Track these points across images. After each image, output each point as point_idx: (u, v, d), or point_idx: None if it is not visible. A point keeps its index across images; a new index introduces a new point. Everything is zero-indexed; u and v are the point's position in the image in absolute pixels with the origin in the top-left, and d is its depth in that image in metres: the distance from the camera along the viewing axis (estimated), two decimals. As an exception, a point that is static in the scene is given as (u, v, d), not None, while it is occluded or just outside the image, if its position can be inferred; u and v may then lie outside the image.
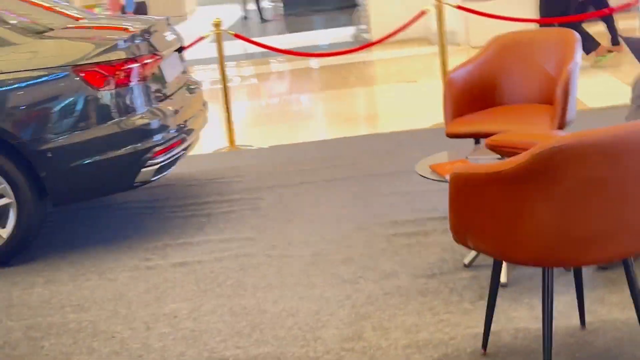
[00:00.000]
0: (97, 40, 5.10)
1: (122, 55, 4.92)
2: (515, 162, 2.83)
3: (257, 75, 11.64)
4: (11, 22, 5.12)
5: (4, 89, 4.77)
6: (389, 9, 11.30)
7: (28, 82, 4.81)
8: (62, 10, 5.88)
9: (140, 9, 11.46)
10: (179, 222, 5.38)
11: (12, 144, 4.77)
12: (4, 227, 4.83)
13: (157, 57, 5.25)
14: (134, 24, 5.50)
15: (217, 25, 7.18)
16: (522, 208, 2.85)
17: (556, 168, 2.70)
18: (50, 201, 4.96)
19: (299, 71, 11.24)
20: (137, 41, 5.14)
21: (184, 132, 5.34)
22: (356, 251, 4.57)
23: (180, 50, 5.92)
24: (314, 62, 11.27)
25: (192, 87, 5.88)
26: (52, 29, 5.21)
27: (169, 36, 5.71)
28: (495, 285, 3.26)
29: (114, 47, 4.95)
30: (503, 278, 3.92)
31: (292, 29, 15.76)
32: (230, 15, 18.00)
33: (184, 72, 5.90)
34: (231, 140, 7.26)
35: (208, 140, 7.26)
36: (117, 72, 4.88)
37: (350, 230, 4.87)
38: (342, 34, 13.62)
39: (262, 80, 11.38)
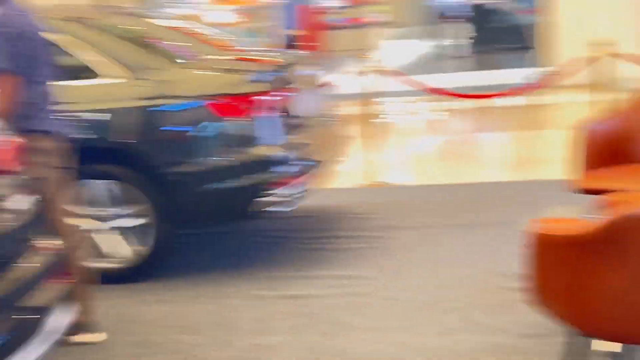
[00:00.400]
0: (232, 72, 5.26)
1: (254, 88, 5.06)
2: (593, 227, 2.67)
3: (419, 111, 11.58)
4: (158, 49, 5.39)
5: (144, 115, 5.01)
6: (567, 51, 10.95)
7: (165, 109, 5.04)
8: (216, 41, 6.15)
9: (292, 42, 11.66)
10: (303, 254, 5.43)
11: (150, 168, 5.01)
12: (144, 245, 5.07)
13: (291, 91, 5.35)
14: (276, 57, 5.64)
15: (363, 62, 7.26)
16: (596, 276, 2.67)
17: (628, 237, 2.52)
18: (180, 224, 5.14)
19: (463, 111, 11.10)
20: (272, 75, 5.27)
21: (311, 166, 5.40)
22: (465, 301, 4.45)
23: (322, 85, 6.01)
24: (481, 102, 11.09)
25: (329, 121, 5.95)
26: (190, 59, 5.45)
27: (311, 71, 5.80)
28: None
29: (247, 80, 5.10)
30: (617, 347, 3.67)
31: (472, 66, 15.59)
32: (416, 50, 18.08)
33: (323, 106, 5.97)
34: (371, 177, 7.24)
35: (358, 174, 7.32)
36: (247, 104, 5.01)
37: (464, 279, 4.75)
38: (515, 75, 13.32)
39: (424, 117, 11.32)
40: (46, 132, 4.07)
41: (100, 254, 5.07)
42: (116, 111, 5.01)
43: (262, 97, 5.07)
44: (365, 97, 7.29)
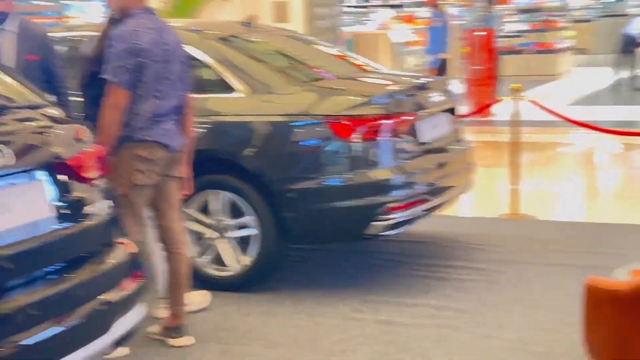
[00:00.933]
0: (354, 93, 5.31)
1: (373, 110, 5.09)
2: (635, 283, 2.52)
3: (576, 143, 11.13)
4: (293, 68, 5.54)
5: (263, 130, 5.15)
6: None
7: (284, 126, 5.15)
8: (357, 62, 6.24)
9: (443, 67, 11.44)
10: (409, 280, 5.39)
11: (264, 181, 5.14)
12: (247, 255, 5.22)
13: (414, 115, 5.33)
14: (403, 81, 5.64)
15: (516, 90, 7.08)
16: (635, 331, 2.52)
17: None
18: (289, 239, 5.24)
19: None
20: (394, 98, 5.28)
21: (430, 192, 5.36)
22: (560, 348, 4.26)
23: (451, 111, 5.94)
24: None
25: (457, 147, 5.87)
26: (321, 79, 5.55)
27: (439, 96, 5.75)
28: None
29: (368, 102, 5.14)
30: None
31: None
32: (601, 79, 17.41)
33: (452, 132, 5.89)
34: (514, 208, 7.06)
35: (501, 204, 7.17)
36: (366, 126, 5.04)
37: (563, 324, 4.54)
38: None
39: (584, 150, 10.87)
40: (156, 143, 4.29)
41: (210, 261, 5.26)
42: (237, 124, 5.18)
43: (386, 120, 5.09)
44: (519, 125, 7.09)
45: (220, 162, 5.18)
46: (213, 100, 5.26)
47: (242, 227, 5.21)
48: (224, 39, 5.68)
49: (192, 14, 11.44)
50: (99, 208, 3.35)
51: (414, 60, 16.58)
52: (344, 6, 17.34)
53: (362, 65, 6.29)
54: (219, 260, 5.27)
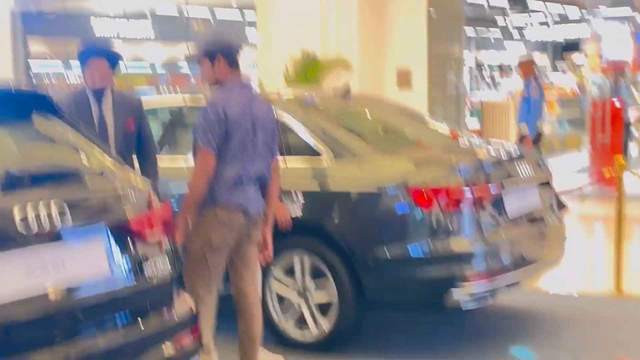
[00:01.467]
0: (437, 163, 5.36)
1: (454, 181, 5.11)
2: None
3: None
4: (372, 135, 5.67)
5: (344, 196, 5.27)
6: None
7: (365, 194, 5.24)
8: (444, 130, 6.30)
9: (538, 138, 11.12)
10: (493, 356, 5.30)
11: (344, 247, 5.23)
12: (327, 319, 5.30)
13: (500, 187, 5.31)
14: (492, 152, 5.64)
15: (619, 163, 6.93)
16: None
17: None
18: (368, 305, 5.28)
19: None
20: (478, 169, 5.29)
21: (516, 264, 5.30)
22: None
23: (546, 183, 5.87)
24: None
25: (549, 219, 5.78)
26: (408, 147, 5.64)
27: (531, 169, 5.70)
28: None
29: (450, 173, 5.16)
30: None
31: None
32: None
33: (544, 204, 5.81)
34: (618, 286, 6.79)
35: (593, 280, 6.96)
36: (446, 196, 5.07)
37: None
38: None
39: None
40: (236, 207, 4.49)
41: (293, 323, 5.37)
42: (320, 191, 5.32)
43: (468, 191, 5.11)
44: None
45: (304, 226, 5.31)
46: (298, 164, 5.43)
47: (323, 291, 5.31)
48: (315, 105, 5.87)
49: (314, 82, 11.75)
50: (159, 267, 3.54)
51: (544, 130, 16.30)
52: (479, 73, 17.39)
53: (455, 134, 6.33)
54: (301, 323, 5.37)
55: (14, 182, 3.16)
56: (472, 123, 15.73)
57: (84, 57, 5.03)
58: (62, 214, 3.14)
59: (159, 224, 3.61)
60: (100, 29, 18.95)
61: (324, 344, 5.31)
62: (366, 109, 6.36)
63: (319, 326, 5.31)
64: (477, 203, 5.15)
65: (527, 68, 11.28)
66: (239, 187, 4.52)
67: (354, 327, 5.32)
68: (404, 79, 12.71)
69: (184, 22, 17.41)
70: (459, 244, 5.08)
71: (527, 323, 5.96)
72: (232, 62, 4.59)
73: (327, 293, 5.26)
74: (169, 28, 19.23)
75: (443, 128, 6.48)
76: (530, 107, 10.86)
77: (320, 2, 12.07)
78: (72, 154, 3.68)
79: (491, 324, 5.92)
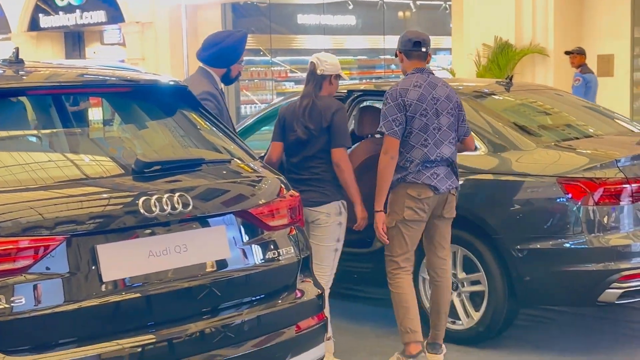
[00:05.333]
0: (595, 155, 5.18)
1: (611, 173, 4.93)
2: None
3: None
4: (531, 125, 5.56)
5: (496, 188, 5.23)
6: None
7: (517, 185, 5.17)
8: (615, 121, 6.06)
9: None
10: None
11: (495, 239, 5.18)
12: (477, 310, 5.29)
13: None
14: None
15: None
16: None
17: None
18: (518, 299, 5.20)
19: None
20: (638, 161, 5.07)
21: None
22: None
23: None
24: None
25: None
26: (569, 139, 5.48)
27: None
28: None
29: (607, 165, 4.99)
30: None
31: None
32: None
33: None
34: None
35: None
36: (602, 189, 4.90)
37: None
38: None
39: None
40: (425, 185, 4.78)
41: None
42: (472, 181, 5.29)
43: (625, 185, 4.92)
44: None
45: (457, 217, 5.31)
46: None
47: (475, 282, 5.30)
48: (477, 96, 5.83)
49: (508, 70, 11.56)
50: (281, 252, 3.71)
51: None
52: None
53: (623, 124, 6.07)
54: (454, 313, 5.38)
55: (143, 170, 3.42)
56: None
57: None
58: (185, 202, 3.37)
59: (285, 212, 3.78)
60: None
61: (475, 336, 5.30)
62: (529, 99, 6.23)
63: (470, 317, 5.30)
64: (636, 197, 4.94)
65: None
66: (428, 167, 4.79)
67: (503, 320, 5.25)
68: (605, 66, 12.23)
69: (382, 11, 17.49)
70: (614, 238, 4.94)
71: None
72: (410, 56, 4.90)
73: (478, 284, 5.27)
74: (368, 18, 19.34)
75: (618, 119, 6.24)
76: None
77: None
78: (204, 144, 3.92)
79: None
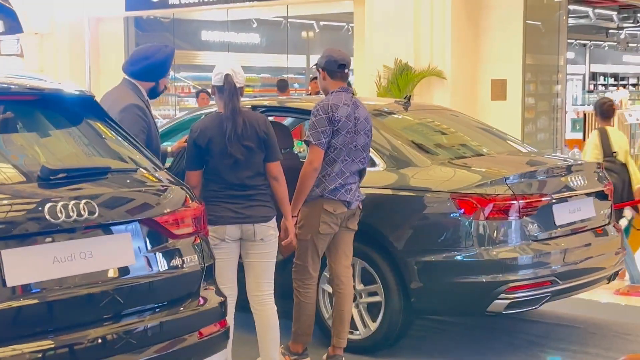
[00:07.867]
0: (485, 173, 5.43)
1: (500, 190, 5.19)
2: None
3: None
4: (426, 143, 5.81)
5: (392, 202, 5.45)
6: None
7: (412, 200, 5.39)
8: (504, 140, 6.35)
9: None
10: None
11: (391, 252, 5.39)
12: (374, 321, 5.47)
13: (549, 197, 5.36)
14: (545, 163, 5.68)
15: None
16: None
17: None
18: (412, 309, 5.41)
19: None
20: (526, 179, 5.36)
21: (563, 275, 5.31)
22: None
23: (601, 194, 5.86)
24: None
25: (604, 232, 5.77)
26: (461, 157, 5.74)
27: (586, 180, 5.70)
28: None
29: (496, 182, 5.24)
30: None
31: None
32: None
33: (598, 216, 5.79)
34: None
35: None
36: (491, 205, 5.15)
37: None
38: None
39: None
40: (340, 200, 5.04)
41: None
42: (370, 197, 5.46)
43: (513, 201, 5.18)
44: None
45: (357, 230, 5.47)
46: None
47: (372, 294, 5.48)
48: (378, 114, 6.04)
49: (406, 91, 11.87)
50: (185, 260, 3.80)
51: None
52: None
53: (513, 144, 6.39)
54: (352, 324, 5.52)
55: (48, 177, 3.45)
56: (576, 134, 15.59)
57: None
58: (91, 209, 3.42)
59: (190, 222, 3.87)
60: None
61: (371, 345, 5.48)
62: (425, 118, 6.48)
63: (367, 328, 5.48)
64: (523, 213, 5.21)
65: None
66: (343, 183, 5.04)
67: (399, 331, 5.45)
68: (498, 90, 12.69)
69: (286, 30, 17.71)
70: (502, 252, 5.16)
71: (582, 331, 5.97)
72: (334, 76, 5.14)
73: (375, 296, 5.45)
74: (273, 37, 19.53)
75: (507, 138, 6.54)
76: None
77: (414, 14, 12.21)
78: (110, 153, 3.98)
79: (545, 332, 5.95)
